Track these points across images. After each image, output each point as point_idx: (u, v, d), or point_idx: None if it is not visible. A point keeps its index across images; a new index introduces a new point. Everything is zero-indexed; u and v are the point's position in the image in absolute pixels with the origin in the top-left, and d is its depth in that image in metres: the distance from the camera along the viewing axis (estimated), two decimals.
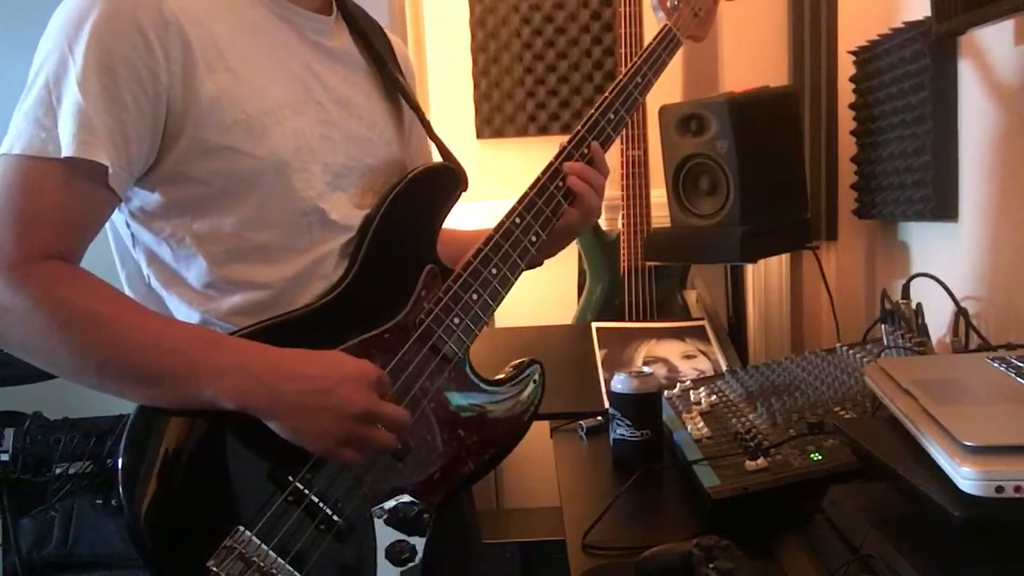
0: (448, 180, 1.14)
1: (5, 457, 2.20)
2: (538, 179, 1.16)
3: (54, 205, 0.89)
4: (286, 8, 1.04)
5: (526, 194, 1.15)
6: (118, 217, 1.00)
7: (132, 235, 1.01)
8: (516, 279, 1.12)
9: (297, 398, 0.92)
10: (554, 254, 1.23)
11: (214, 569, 0.89)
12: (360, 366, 0.97)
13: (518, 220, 1.13)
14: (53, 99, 0.89)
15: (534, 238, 1.14)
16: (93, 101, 0.89)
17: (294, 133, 1.00)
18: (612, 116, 1.22)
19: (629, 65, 1.28)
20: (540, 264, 1.19)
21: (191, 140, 0.94)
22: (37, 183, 0.89)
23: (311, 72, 1.05)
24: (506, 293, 1.11)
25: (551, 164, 1.17)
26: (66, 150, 0.88)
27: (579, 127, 1.20)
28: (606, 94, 1.24)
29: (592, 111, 1.21)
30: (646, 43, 1.31)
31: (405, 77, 1.20)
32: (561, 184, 1.16)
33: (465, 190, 1.15)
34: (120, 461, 0.91)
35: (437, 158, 1.20)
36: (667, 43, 1.32)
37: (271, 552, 0.93)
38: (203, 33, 0.94)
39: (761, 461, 1.12)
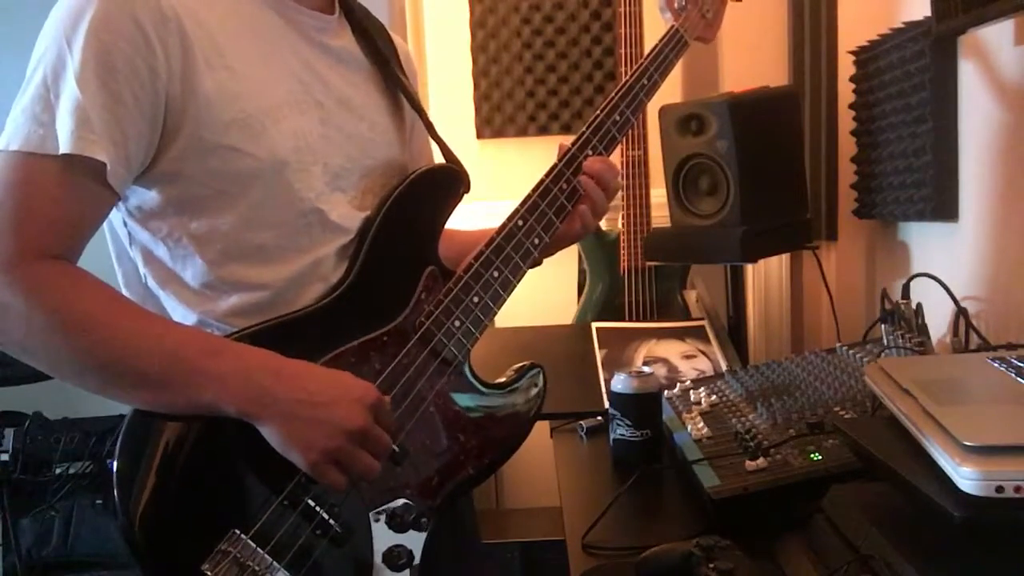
0: (450, 181, 1.13)
1: (5, 457, 2.20)
2: (541, 181, 1.15)
3: (52, 202, 0.89)
4: (288, 6, 1.03)
5: (529, 196, 1.14)
6: (115, 216, 1.00)
7: (129, 234, 1.00)
8: (518, 282, 1.11)
9: (292, 407, 0.91)
10: (553, 254, 1.22)
11: (209, 573, 0.89)
12: (361, 387, 0.95)
13: (521, 222, 1.12)
14: (51, 95, 0.88)
15: (536, 240, 1.13)
16: (91, 97, 0.88)
17: (293, 133, 0.99)
18: (618, 118, 1.20)
19: (636, 66, 1.26)
20: (539, 263, 1.19)
21: (189, 138, 0.93)
22: (34, 180, 0.88)
23: (312, 71, 1.04)
24: (508, 296, 1.10)
25: (555, 166, 1.16)
26: (64, 147, 0.87)
27: (584, 129, 1.18)
28: (611, 95, 1.22)
29: (597, 112, 1.20)
30: (646, 43, 1.31)
31: (407, 77, 1.19)
32: (564, 186, 1.15)
33: (468, 191, 1.14)
34: (115, 464, 0.90)
35: (439, 159, 1.19)
36: (674, 44, 1.30)
37: (267, 556, 0.92)
38: (202, 30, 0.94)
39: (761, 461, 1.12)
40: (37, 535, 2.24)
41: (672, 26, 1.32)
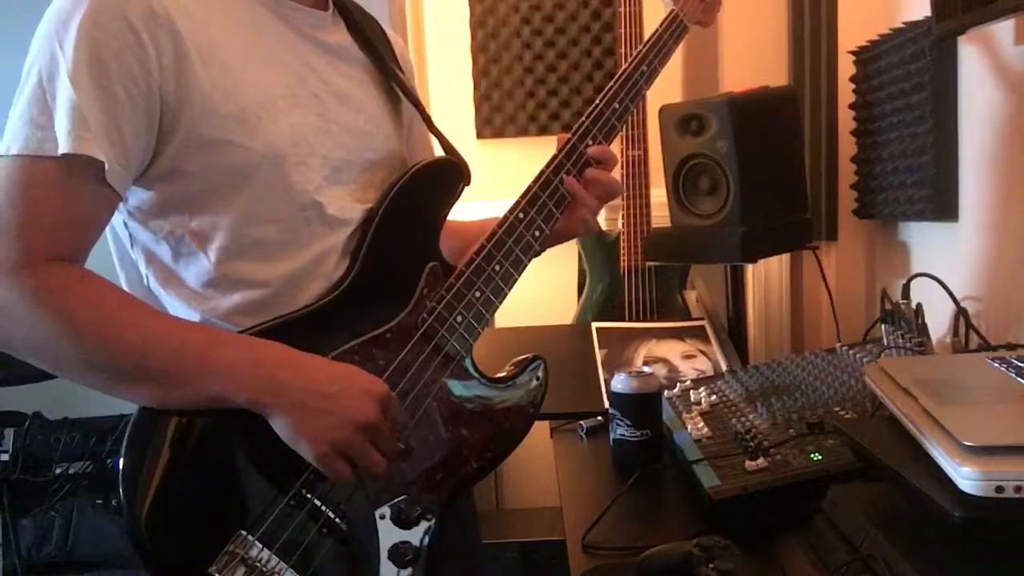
0: (451, 174, 1.13)
1: (5, 457, 2.20)
2: (542, 172, 1.14)
3: (54, 205, 0.89)
4: (280, 4, 1.03)
5: (530, 188, 1.13)
6: (116, 218, 1.00)
7: (130, 235, 1.01)
8: (519, 275, 1.11)
9: (302, 397, 0.91)
10: (554, 245, 1.20)
11: (216, 575, 0.89)
12: (370, 380, 0.96)
13: (521, 215, 1.12)
14: (47, 97, 0.88)
15: (537, 233, 1.12)
16: (86, 97, 0.88)
17: (290, 126, 0.99)
18: (617, 106, 1.19)
19: (634, 53, 1.25)
20: (540, 252, 1.17)
21: (186, 134, 0.93)
22: (36, 183, 0.88)
23: (307, 66, 1.04)
24: (509, 289, 1.10)
25: (555, 157, 1.15)
26: (63, 147, 0.87)
27: (583, 118, 1.18)
28: (611, 84, 1.21)
29: (596, 102, 1.19)
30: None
31: (404, 72, 1.19)
32: (565, 177, 1.15)
33: (468, 184, 1.14)
34: (121, 463, 0.91)
35: (439, 152, 1.19)
36: (673, 29, 1.29)
37: (274, 556, 0.92)
38: (194, 27, 0.93)
39: (761, 461, 1.12)
40: (37, 535, 2.24)
41: (672, 11, 1.31)
